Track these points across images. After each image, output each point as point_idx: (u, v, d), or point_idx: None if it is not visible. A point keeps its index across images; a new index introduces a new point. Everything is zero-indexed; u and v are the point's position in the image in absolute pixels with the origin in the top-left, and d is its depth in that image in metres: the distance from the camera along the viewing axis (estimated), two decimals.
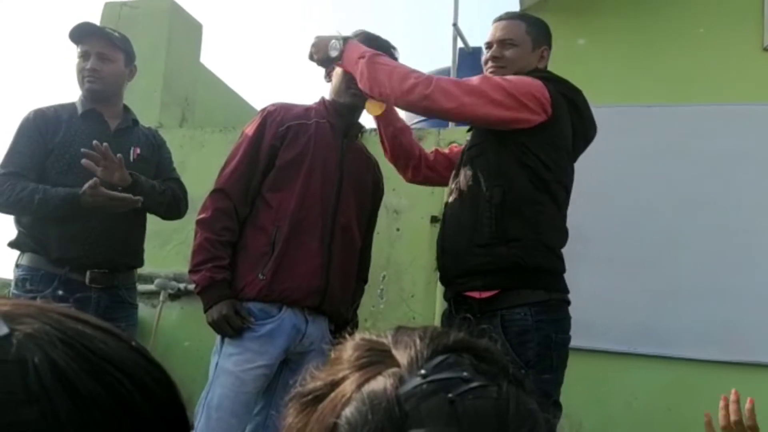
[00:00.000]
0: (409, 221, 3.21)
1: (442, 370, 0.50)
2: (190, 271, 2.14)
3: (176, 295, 3.37)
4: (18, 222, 2.45)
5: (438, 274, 2.29)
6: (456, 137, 3.18)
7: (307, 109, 2.29)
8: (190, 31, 4.20)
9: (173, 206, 2.56)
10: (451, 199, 2.17)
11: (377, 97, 2.13)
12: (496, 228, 1.96)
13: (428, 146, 3.24)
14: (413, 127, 4.03)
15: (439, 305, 2.30)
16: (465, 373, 0.50)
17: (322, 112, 2.29)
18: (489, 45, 2.20)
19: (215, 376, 2.09)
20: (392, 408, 0.48)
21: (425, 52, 12.88)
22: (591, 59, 3.18)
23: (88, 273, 2.40)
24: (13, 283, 2.42)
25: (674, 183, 2.91)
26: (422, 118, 4.27)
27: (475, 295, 1.97)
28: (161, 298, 3.33)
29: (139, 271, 2.95)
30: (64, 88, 4.01)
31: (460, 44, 3.58)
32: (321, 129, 2.25)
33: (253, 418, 2.17)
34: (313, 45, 2.23)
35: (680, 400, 2.74)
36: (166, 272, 3.36)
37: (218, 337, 2.14)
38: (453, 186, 2.17)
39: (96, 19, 3.97)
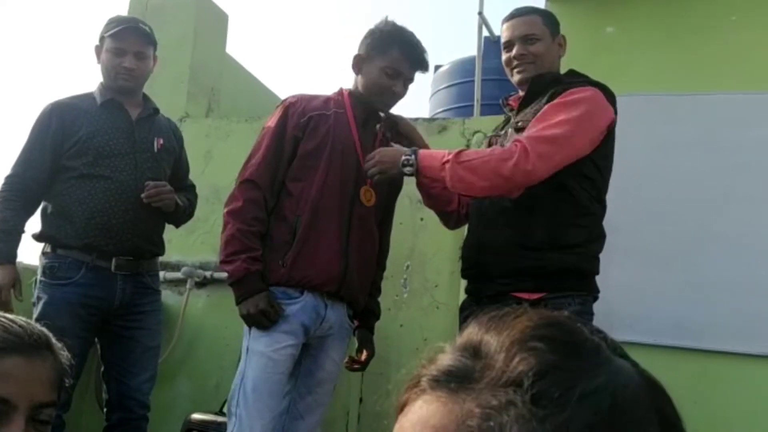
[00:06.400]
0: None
1: None
2: (223, 262, 2.15)
3: (202, 283, 3.42)
4: (43, 212, 2.50)
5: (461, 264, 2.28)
6: (481, 126, 3.15)
7: (326, 100, 2.30)
8: (217, 21, 4.22)
9: (186, 220, 2.71)
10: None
11: (479, 196, 2.09)
12: (549, 235, 1.99)
13: (452, 136, 3.22)
14: (436, 116, 4.00)
15: (463, 296, 2.28)
16: None
17: (341, 103, 2.30)
18: (508, 44, 2.17)
19: (247, 360, 2.11)
20: None
21: (450, 41, 12.80)
22: (619, 48, 3.13)
23: (113, 260, 2.44)
24: (40, 271, 2.45)
25: (705, 173, 2.86)
26: (446, 107, 4.24)
27: (525, 296, 1.98)
28: (188, 285, 3.38)
29: (167, 259, 2.99)
30: (86, 72, 4.05)
31: (485, 33, 3.55)
32: (340, 119, 2.26)
33: None
34: (378, 161, 2.10)
35: (708, 393, 2.70)
36: (192, 260, 3.41)
37: None
38: None
39: (123, 10, 4.00)
